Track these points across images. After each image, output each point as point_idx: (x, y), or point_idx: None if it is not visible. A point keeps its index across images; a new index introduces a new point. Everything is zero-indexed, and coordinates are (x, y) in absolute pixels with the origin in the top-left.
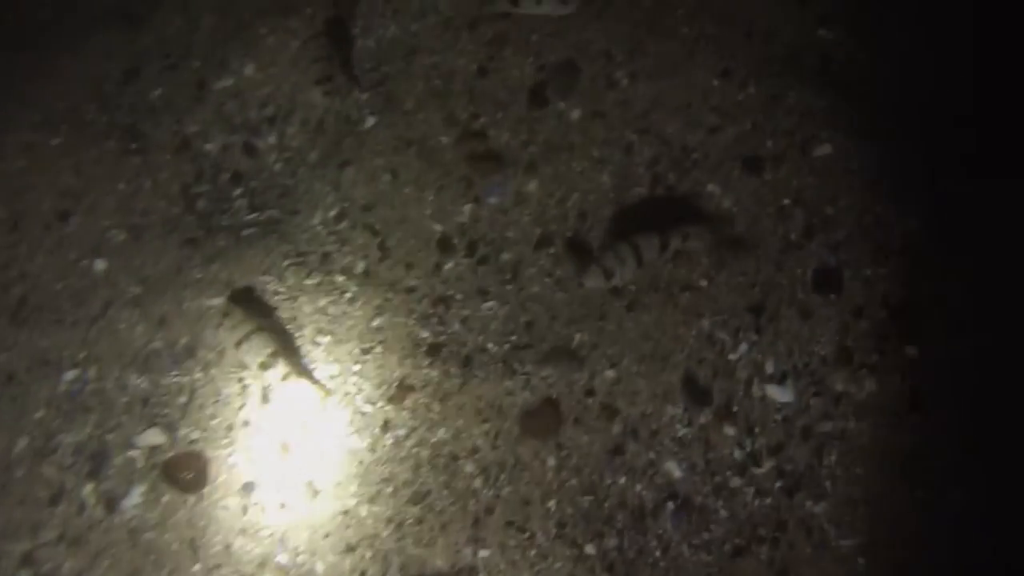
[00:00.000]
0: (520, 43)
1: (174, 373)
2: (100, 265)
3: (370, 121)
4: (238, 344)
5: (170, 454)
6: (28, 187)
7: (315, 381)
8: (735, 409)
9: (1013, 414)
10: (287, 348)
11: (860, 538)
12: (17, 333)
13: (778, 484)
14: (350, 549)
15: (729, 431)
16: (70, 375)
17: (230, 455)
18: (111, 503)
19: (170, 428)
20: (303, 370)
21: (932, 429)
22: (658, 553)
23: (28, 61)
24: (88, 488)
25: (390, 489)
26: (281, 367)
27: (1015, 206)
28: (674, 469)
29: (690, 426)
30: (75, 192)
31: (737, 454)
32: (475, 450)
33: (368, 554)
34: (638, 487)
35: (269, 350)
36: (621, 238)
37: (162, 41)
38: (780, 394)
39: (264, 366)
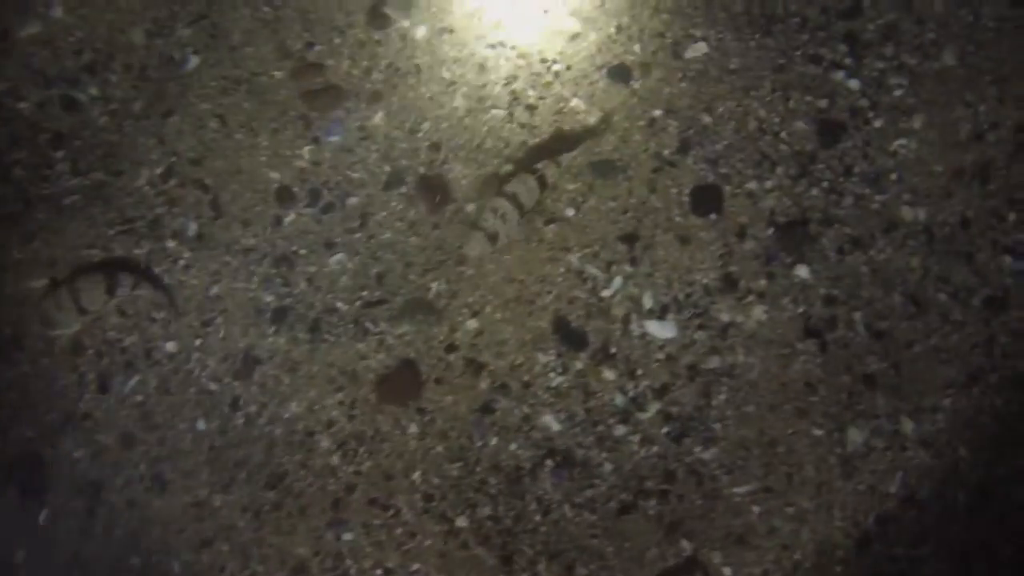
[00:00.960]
0: None
1: (1, 367)
2: None
3: (193, 61)
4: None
5: (2, 458)
6: None
7: None
8: (613, 351)
9: (915, 336)
10: None
11: (754, 485)
12: None
13: (665, 430)
14: (206, 544)
15: (609, 375)
16: None
17: (71, 452)
18: None
19: (1, 429)
20: None
21: (829, 359)
22: (538, 517)
23: None
24: None
25: (244, 474)
26: None
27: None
28: (552, 422)
29: (565, 373)
30: None
31: (619, 400)
32: (331, 423)
33: (225, 548)
34: (512, 446)
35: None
36: (494, 191)
37: None
38: (661, 330)
39: None
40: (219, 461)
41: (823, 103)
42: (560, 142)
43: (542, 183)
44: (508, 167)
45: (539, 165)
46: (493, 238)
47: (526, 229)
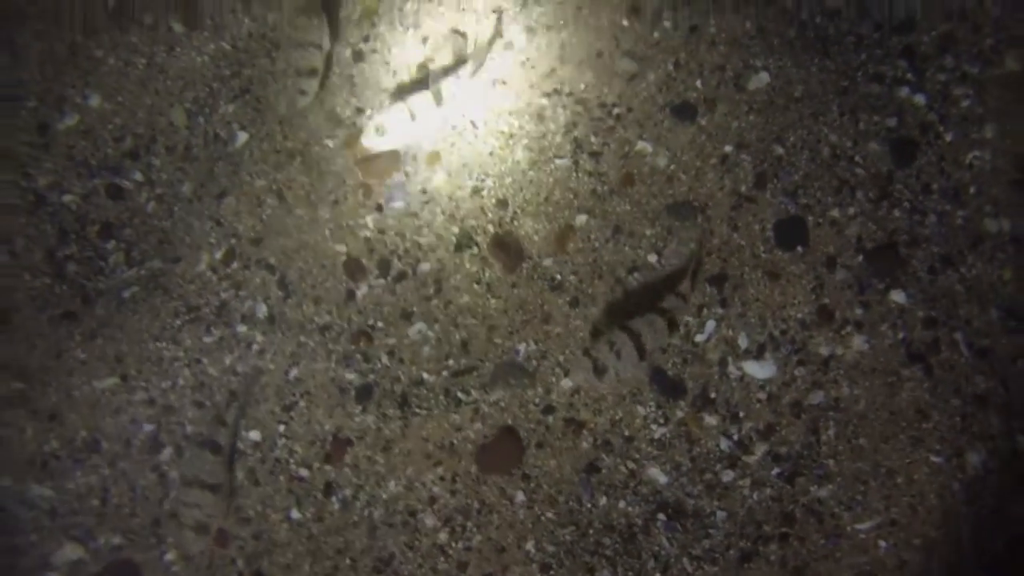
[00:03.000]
0: (396, 18)
1: (79, 474)
2: None
3: (241, 137)
4: None
5: (93, 568)
6: None
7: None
8: (713, 395)
9: (1017, 350)
10: None
11: (878, 519)
12: None
13: (775, 471)
14: None
15: (711, 421)
16: None
17: (163, 555)
18: None
19: (87, 538)
20: None
21: (937, 383)
22: (659, 575)
23: None
24: None
25: (348, 561)
26: None
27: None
28: (658, 475)
29: (667, 424)
30: None
31: (724, 445)
32: (433, 499)
33: None
34: (622, 504)
35: None
36: (615, 322)
37: None
38: (760, 370)
39: None
40: (320, 551)
41: (892, 121)
42: (630, 186)
43: (672, 325)
44: (582, 217)
45: (667, 305)
46: (601, 372)
47: (608, 280)
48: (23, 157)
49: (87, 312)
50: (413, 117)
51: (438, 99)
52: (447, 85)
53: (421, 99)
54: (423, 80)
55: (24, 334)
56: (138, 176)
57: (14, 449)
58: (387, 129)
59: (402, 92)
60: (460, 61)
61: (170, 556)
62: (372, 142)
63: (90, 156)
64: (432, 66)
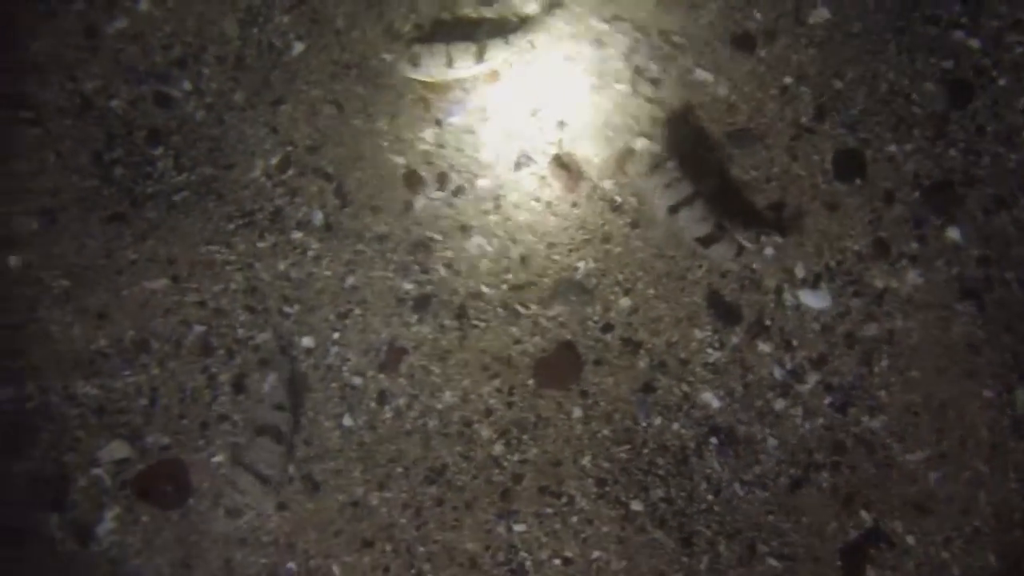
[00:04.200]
0: None
1: (127, 373)
2: (14, 261)
3: (298, 47)
4: None
5: (140, 467)
6: None
7: None
8: (768, 323)
9: None
10: None
11: (929, 451)
12: None
13: (827, 401)
14: (367, 545)
15: (765, 348)
16: (4, 394)
17: (211, 456)
18: (83, 533)
19: (135, 437)
20: None
21: (989, 319)
22: (710, 497)
23: None
24: (54, 520)
25: (400, 470)
26: None
27: None
28: (711, 399)
29: (722, 349)
30: None
31: (777, 373)
32: (489, 411)
33: (388, 547)
34: (675, 426)
35: None
36: None
37: None
38: (815, 300)
39: None
40: (372, 458)
41: (948, 63)
42: (690, 113)
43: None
44: (640, 141)
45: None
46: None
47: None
48: (69, 59)
49: (137, 214)
50: (450, 64)
51: (479, 56)
52: (494, 47)
53: (463, 50)
54: (473, 27)
55: (71, 234)
56: (187, 85)
57: (61, 347)
58: (421, 64)
59: (451, 30)
60: (514, 22)
61: (218, 458)
62: (404, 69)
63: (138, 62)
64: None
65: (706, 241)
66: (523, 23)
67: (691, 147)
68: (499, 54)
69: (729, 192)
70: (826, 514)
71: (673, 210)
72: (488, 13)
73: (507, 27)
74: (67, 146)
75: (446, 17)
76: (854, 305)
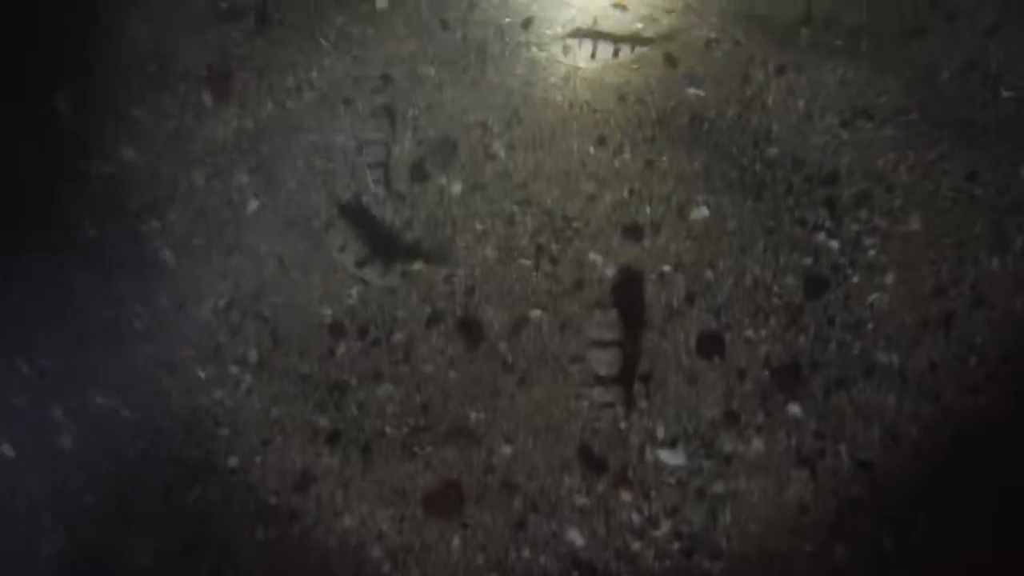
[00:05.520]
0: (399, 117)
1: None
2: None
3: (253, 204)
4: None
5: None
6: None
7: None
8: (630, 475)
9: (893, 463)
10: None
11: None
12: None
13: (676, 545)
14: None
15: (626, 497)
16: None
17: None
18: None
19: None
20: None
21: (818, 484)
22: None
23: None
24: None
25: None
26: None
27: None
28: (576, 538)
29: (589, 495)
30: None
31: (636, 518)
32: (381, 535)
33: None
34: (543, 559)
35: None
36: None
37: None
38: (672, 458)
39: None
40: (276, 570)
41: (808, 261)
42: (580, 290)
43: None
44: (536, 312)
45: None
46: None
47: (553, 367)
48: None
49: (92, 339)
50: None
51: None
52: (435, 184)
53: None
54: (416, 176)
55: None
56: (156, 224)
57: None
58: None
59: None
60: (447, 165)
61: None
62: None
63: (116, 201)
64: (425, 166)
65: None
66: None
67: None
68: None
69: None
70: None
71: None
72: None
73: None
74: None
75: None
76: (706, 465)
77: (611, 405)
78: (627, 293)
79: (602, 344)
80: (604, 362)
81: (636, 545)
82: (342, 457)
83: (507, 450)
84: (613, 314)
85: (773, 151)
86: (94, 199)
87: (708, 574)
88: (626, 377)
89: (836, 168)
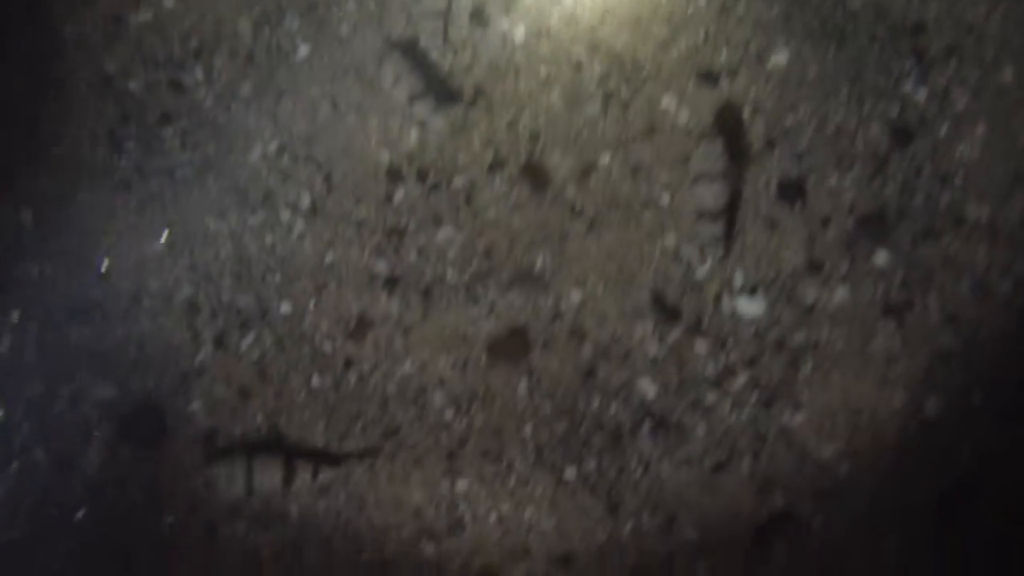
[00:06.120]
0: None
1: (118, 327)
2: (27, 217)
3: (303, 50)
4: None
5: (124, 408)
6: None
7: None
8: (706, 324)
9: (983, 318)
10: None
11: (841, 445)
12: None
13: (754, 396)
14: (323, 491)
15: (701, 347)
16: (8, 336)
17: (187, 405)
18: (66, 463)
19: (121, 381)
20: None
21: (905, 335)
22: (639, 473)
23: None
24: (39, 449)
25: (359, 427)
26: None
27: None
28: (648, 388)
29: (661, 344)
30: None
31: (711, 369)
32: (443, 381)
33: (342, 495)
34: (613, 408)
35: None
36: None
37: None
38: (751, 307)
39: None
40: (334, 415)
41: (894, 110)
42: (651, 136)
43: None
44: (605, 157)
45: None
46: None
47: (624, 213)
48: (95, 43)
49: (141, 184)
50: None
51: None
52: (497, 29)
53: None
54: (477, 20)
55: (81, 197)
56: (199, 75)
57: (62, 295)
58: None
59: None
60: (510, 9)
61: (195, 405)
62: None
63: (158, 51)
64: (486, 10)
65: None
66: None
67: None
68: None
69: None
70: (743, 495)
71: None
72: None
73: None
74: (87, 119)
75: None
76: (786, 315)
77: (718, 239)
78: (704, 136)
79: (709, 177)
80: (711, 194)
81: (711, 396)
82: (401, 302)
83: (576, 296)
84: (718, 145)
85: (855, 1)
86: (134, 48)
87: (789, 426)
88: (731, 210)
89: (923, 18)
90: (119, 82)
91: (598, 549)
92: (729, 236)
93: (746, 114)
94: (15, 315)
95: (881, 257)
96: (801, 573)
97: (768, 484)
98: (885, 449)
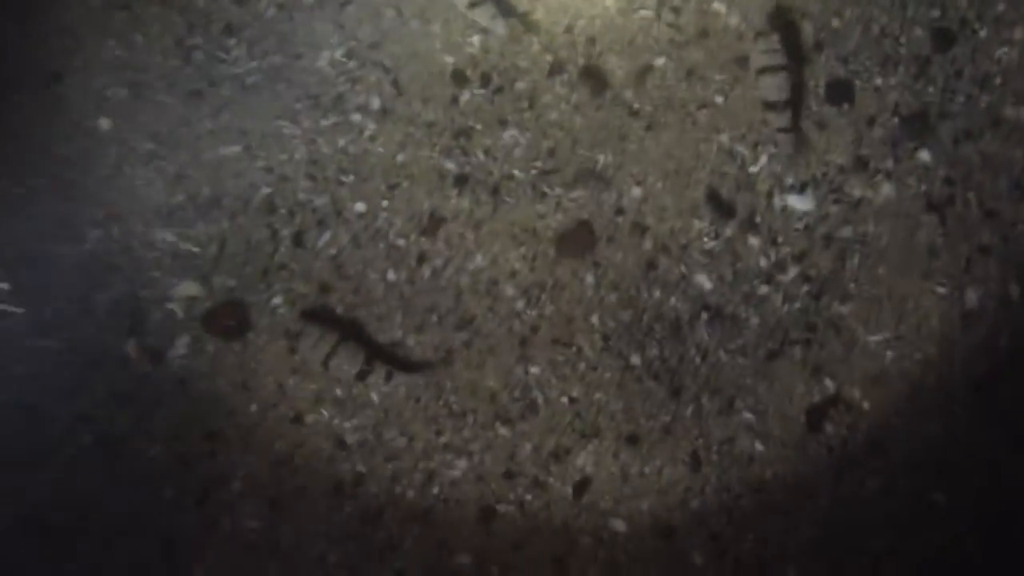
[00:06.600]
0: None
1: (200, 224)
2: (105, 124)
3: None
4: None
5: (208, 304)
6: (13, 46)
7: None
8: (758, 220)
9: (1019, 216)
10: None
11: (888, 334)
12: (28, 199)
13: (804, 289)
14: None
15: (754, 241)
16: (93, 235)
17: (269, 300)
18: (155, 356)
19: (204, 279)
20: None
21: (948, 230)
22: (698, 360)
23: None
24: (130, 344)
25: (434, 318)
26: None
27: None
28: (705, 281)
29: (717, 239)
30: (65, 52)
31: (763, 263)
32: (514, 273)
33: (421, 381)
34: (673, 299)
35: None
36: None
37: None
38: (801, 203)
39: None
40: (410, 307)
41: (936, 13)
42: (704, 38)
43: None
44: (660, 60)
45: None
46: None
47: (680, 113)
48: None
49: (213, 92)
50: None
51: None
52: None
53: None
54: None
55: (155, 105)
56: None
57: (143, 199)
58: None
59: None
60: None
61: (276, 300)
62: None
63: None
64: None
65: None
66: None
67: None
68: None
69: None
70: (795, 380)
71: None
72: None
73: None
74: (153, 29)
75: None
76: (833, 210)
77: (786, 130)
78: (761, 34)
79: (771, 69)
80: (774, 87)
81: (764, 289)
82: (471, 199)
83: (637, 192)
84: (775, 39)
85: None
86: None
87: (838, 316)
88: (795, 101)
89: None
90: None
91: (662, 429)
92: (795, 127)
93: (794, 16)
94: (99, 213)
95: (924, 155)
96: (851, 452)
97: (818, 370)
98: (927, 337)
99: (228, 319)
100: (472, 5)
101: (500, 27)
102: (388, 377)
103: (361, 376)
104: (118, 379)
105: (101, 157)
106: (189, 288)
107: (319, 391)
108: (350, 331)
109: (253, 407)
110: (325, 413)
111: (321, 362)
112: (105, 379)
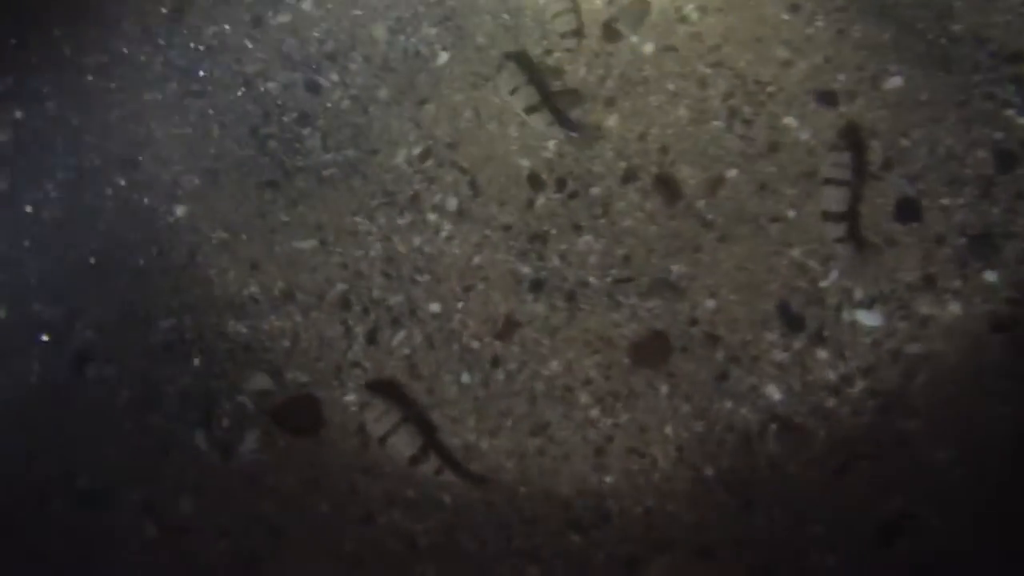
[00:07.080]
0: None
1: (273, 318)
2: (180, 211)
3: (443, 56)
4: None
5: (279, 398)
6: (88, 134)
7: None
8: (827, 334)
9: None
10: None
11: (953, 451)
12: (102, 285)
13: (871, 403)
14: (478, 482)
15: (822, 355)
16: (166, 324)
17: (343, 395)
18: (226, 449)
19: (276, 372)
20: None
21: (1012, 350)
22: (768, 472)
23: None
24: (200, 435)
25: (509, 423)
26: None
27: None
28: (774, 392)
29: (787, 351)
30: (140, 139)
31: (831, 376)
32: (589, 381)
33: (496, 487)
34: (743, 410)
35: None
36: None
37: None
38: (869, 319)
39: None
40: (484, 411)
41: (999, 135)
42: (775, 152)
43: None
44: (732, 172)
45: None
46: None
47: (751, 226)
48: (236, 44)
49: (289, 183)
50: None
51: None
52: (627, 43)
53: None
54: (608, 36)
55: (230, 194)
56: (334, 77)
57: (216, 290)
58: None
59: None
60: (639, 24)
61: (349, 397)
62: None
63: (294, 52)
64: (616, 25)
65: None
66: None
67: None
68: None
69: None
70: (864, 495)
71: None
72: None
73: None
74: (229, 118)
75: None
76: (901, 327)
77: (841, 240)
78: (833, 148)
79: (835, 182)
80: (834, 198)
81: (831, 402)
82: (547, 304)
83: (710, 303)
84: (847, 156)
85: (956, 27)
86: (271, 48)
87: (904, 432)
88: (852, 215)
89: (1021, 47)
90: (258, 83)
91: (734, 542)
92: (851, 238)
93: (863, 135)
94: (172, 302)
95: (991, 275)
96: (922, 567)
97: (887, 486)
98: (994, 457)
99: (300, 414)
100: (529, 110)
101: (557, 134)
102: (438, 472)
103: (413, 462)
104: (186, 469)
105: (175, 246)
106: (261, 381)
107: (391, 491)
108: (412, 414)
109: (323, 505)
110: (397, 514)
111: (379, 438)
112: (173, 468)
